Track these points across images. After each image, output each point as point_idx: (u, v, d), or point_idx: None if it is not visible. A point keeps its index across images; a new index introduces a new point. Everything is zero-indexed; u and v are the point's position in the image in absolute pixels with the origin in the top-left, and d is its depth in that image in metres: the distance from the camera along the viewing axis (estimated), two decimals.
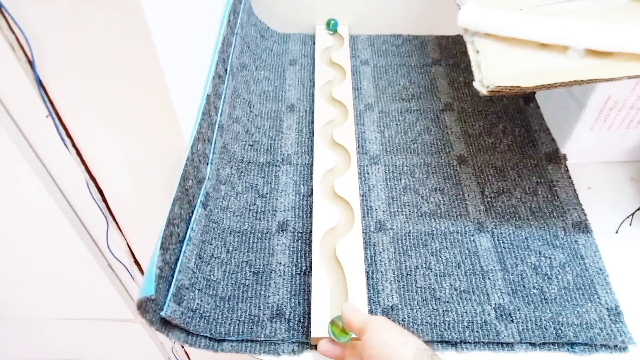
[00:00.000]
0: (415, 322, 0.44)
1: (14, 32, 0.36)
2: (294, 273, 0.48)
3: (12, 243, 0.58)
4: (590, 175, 0.56)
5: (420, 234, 0.51)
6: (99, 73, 0.38)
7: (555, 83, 0.40)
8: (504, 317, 0.44)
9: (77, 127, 0.43)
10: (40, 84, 0.39)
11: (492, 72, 0.42)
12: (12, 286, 0.67)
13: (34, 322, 0.77)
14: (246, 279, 0.47)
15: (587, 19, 0.45)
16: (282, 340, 0.43)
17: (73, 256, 0.59)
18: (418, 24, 0.74)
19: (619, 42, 0.41)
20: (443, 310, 0.45)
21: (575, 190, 0.53)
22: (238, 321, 0.44)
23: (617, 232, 0.51)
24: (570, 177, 0.54)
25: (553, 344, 0.43)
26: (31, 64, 0.37)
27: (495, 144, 0.59)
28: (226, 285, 0.46)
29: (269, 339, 0.43)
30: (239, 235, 0.50)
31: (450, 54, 0.72)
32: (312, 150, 0.58)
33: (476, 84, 0.43)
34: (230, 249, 0.49)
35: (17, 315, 0.75)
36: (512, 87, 0.40)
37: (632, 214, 0.52)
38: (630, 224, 0.51)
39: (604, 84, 0.48)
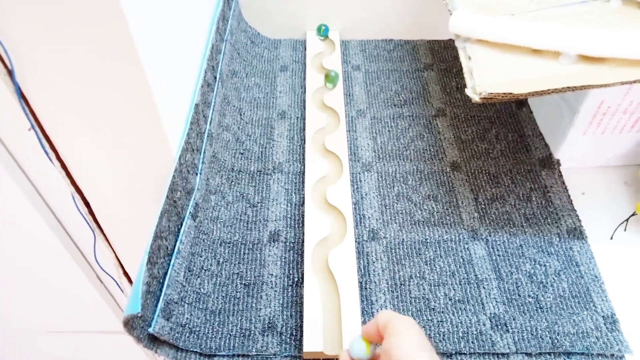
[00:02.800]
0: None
1: None
2: (285, 285, 0.47)
3: None
4: (584, 180, 0.55)
5: (414, 242, 0.50)
6: (82, 84, 0.37)
7: (548, 90, 0.39)
8: (500, 327, 0.44)
9: (61, 139, 0.42)
10: (21, 95, 0.38)
11: (484, 79, 0.42)
12: (0, 300, 0.66)
13: (24, 335, 0.75)
14: (237, 292, 0.46)
15: (580, 23, 0.44)
16: (274, 355, 0.43)
17: (61, 269, 0.58)
18: (409, 29, 0.74)
19: (612, 48, 0.40)
20: (438, 321, 0.44)
21: (569, 196, 0.53)
22: (229, 335, 0.43)
23: (611, 238, 0.51)
24: (564, 183, 0.54)
25: (549, 353, 0.42)
26: (11, 75, 0.36)
27: (489, 150, 0.58)
28: (216, 298, 0.45)
29: (261, 354, 0.42)
30: (229, 247, 0.49)
31: (443, 59, 0.71)
32: (303, 158, 0.57)
33: (468, 91, 0.42)
34: (221, 260, 0.48)
35: (6, 329, 0.73)
36: (504, 94, 0.40)
37: (627, 220, 0.51)
38: (625, 230, 0.51)
39: (597, 89, 0.48)
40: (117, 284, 0.60)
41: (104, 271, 0.58)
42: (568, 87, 0.39)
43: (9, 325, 0.72)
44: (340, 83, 0.66)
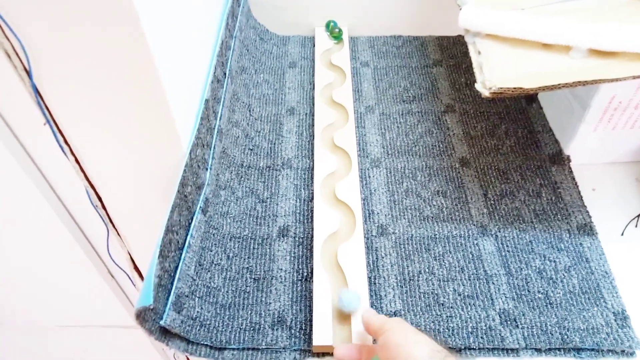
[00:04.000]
0: (419, 328, 0.44)
1: (9, 40, 0.35)
2: (295, 279, 0.47)
3: (12, 251, 0.58)
4: (595, 176, 0.55)
5: (423, 238, 0.50)
6: (96, 79, 0.38)
7: (559, 84, 0.39)
8: (509, 322, 0.44)
9: (75, 134, 0.43)
10: (37, 91, 0.38)
11: (494, 73, 0.42)
12: (12, 294, 0.67)
13: (35, 330, 0.77)
14: (247, 286, 0.47)
15: (590, 17, 0.44)
16: (283, 348, 0.43)
17: (73, 263, 0.58)
18: (418, 25, 0.73)
19: (623, 42, 0.40)
20: (447, 316, 0.44)
21: (579, 192, 0.52)
22: (239, 329, 0.44)
23: (622, 234, 0.50)
24: (574, 179, 0.54)
25: (559, 349, 0.42)
26: (28, 71, 0.37)
27: (498, 146, 0.58)
28: (227, 292, 0.46)
29: (271, 347, 0.43)
30: (239, 241, 0.50)
31: (451, 55, 0.71)
32: (312, 154, 0.58)
33: (478, 86, 0.42)
34: (231, 255, 0.49)
35: (18, 324, 0.75)
36: (514, 88, 0.40)
37: (638, 216, 0.51)
38: (636, 226, 0.51)
39: (608, 84, 0.47)
40: (129, 278, 0.61)
41: (117, 265, 0.59)
42: (579, 82, 0.39)
43: (21, 319, 0.73)
44: (349, 80, 0.66)
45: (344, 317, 0.43)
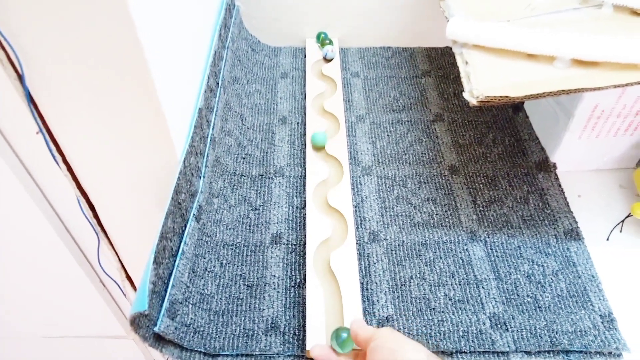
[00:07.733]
0: (411, 332, 0.44)
1: (3, 48, 0.36)
2: (288, 286, 0.48)
3: (2, 261, 0.57)
4: (580, 183, 0.56)
5: (414, 244, 0.51)
6: (89, 88, 0.38)
7: (544, 93, 0.40)
8: (499, 326, 0.44)
9: (68, 142, 0.43)
10: (30, 99, 0.38)
11: (481, 82, 0.43)
12: (1, 305, 0.66)
13: (25, 340, 0.75)
14: (240, 293, 0.47)
15: (573, 29, 0.46)
16: (277, 354, 0.43)
17: (64, 273, 0.58)
18: (407, 36, 0.75)
19: (605, 52, 0.42)
20: (438, 321, 0.45)
21: (565, 198, 0.54)
22: (232, 335, 0.44)
23: (608, 239, 0.52)
24: (560, 186, 0.55)
25: (548, 352, 0.43)
26: (21, 79, 0.37)
27: (486, 154, 0.59)
28: (220, 299, 0.46)
29: (264, 353, 0.43)
30: (232, 249, 0.50)
31: (440, 66, 0.72)
32: (304, 162, 0.58)
33: (466, 95, 0.43)
34: (224, 262, 0.49)
35: (7, 334, 0.74)
36: (501, 97, 0.41)
37: (622, 221, 0.52)
38: (620, 231, 0.52)
39: (591, 93, 0.49)
40: (120, 287, 0.60)
41: (107, 275, 0.58)
42: (563, 90, 0.40)
43: (11, 329, 0.72)
44: (339, 90, 0.67)
45: (337, 323, 0.44)
